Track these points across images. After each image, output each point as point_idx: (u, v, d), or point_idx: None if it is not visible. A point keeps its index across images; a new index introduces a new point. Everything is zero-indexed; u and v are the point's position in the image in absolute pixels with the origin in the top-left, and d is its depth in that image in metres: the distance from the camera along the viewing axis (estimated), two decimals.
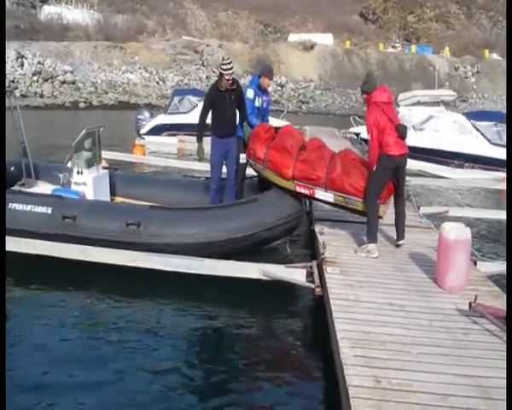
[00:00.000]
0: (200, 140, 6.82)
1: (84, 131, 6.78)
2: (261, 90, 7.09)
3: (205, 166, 8.21)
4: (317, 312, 4.88)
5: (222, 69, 6.62)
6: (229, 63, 6.57)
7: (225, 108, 6.65)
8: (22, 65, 36.26)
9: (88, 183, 6.80)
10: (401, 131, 5.52)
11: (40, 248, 5.83)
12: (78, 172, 6.78)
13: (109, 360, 4.27)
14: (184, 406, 3.77)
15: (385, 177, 5.58)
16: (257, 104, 7.03)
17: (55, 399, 3.74)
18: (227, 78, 6.53)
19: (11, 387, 3.68)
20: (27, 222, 6.06)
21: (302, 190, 5.95)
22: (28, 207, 6.16)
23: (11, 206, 6.15)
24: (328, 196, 5.84)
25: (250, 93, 6.96)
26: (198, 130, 6.85)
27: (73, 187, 6.73)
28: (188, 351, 4.62)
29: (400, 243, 5.88)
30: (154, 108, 25.09)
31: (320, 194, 5.87)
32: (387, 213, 5.82)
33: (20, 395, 3.73)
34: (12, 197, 6.31)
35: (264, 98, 7.18)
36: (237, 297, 5.46)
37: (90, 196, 6.77)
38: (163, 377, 4.06)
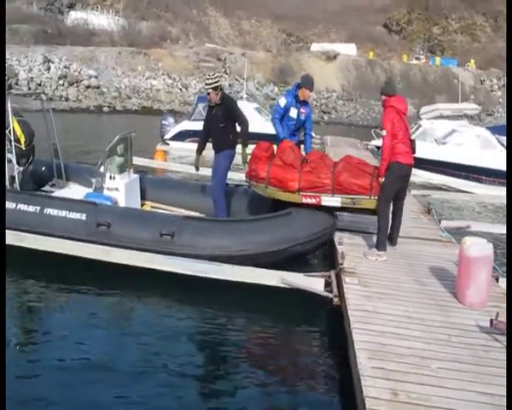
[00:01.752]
0: (197, 152, 7.04)
1: (117, 137, 6.80)
2: (299, 102, 6.78)
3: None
4: (335, 321, 4.87)
5: (205, 84, 6.74)
6: (212, 78, 6.55)
7: (213, 124, 6.72)
8: (49, 69, 36.96)
9: (120, 188, 6.82)
10: (414, 146, 5.86)
11: (57, 246, 5.89)
12: (110, 178, 6.80)
13: (127, 361, 4.34)
14: None
15: (396, 184, 5.83)
16: (293, 115, 6.77)
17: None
18: (208, 92, 6.60)
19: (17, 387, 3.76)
20: (63, 228, 6.06)
21: (308, 201, 5.95)
22: (63, 213, 6.15)
23: (46, 211, 6.19)
24: (335, 201, 5.91)
25: (282, 101, 6.83)
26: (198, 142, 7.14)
27: (106, 192, 6.75)
28: (204, 356, 4.66)
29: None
30: (176, 115, 25.28)
31: (327, 200, 5.93)
32: (409, 225, 5.75)
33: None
34: (47, 202, 6.34)
35: (303, 110, 6.83)
36: (254, 303, 5.46)
37: (121, 201, 6.78)
38: (179, 382, 4.09)
